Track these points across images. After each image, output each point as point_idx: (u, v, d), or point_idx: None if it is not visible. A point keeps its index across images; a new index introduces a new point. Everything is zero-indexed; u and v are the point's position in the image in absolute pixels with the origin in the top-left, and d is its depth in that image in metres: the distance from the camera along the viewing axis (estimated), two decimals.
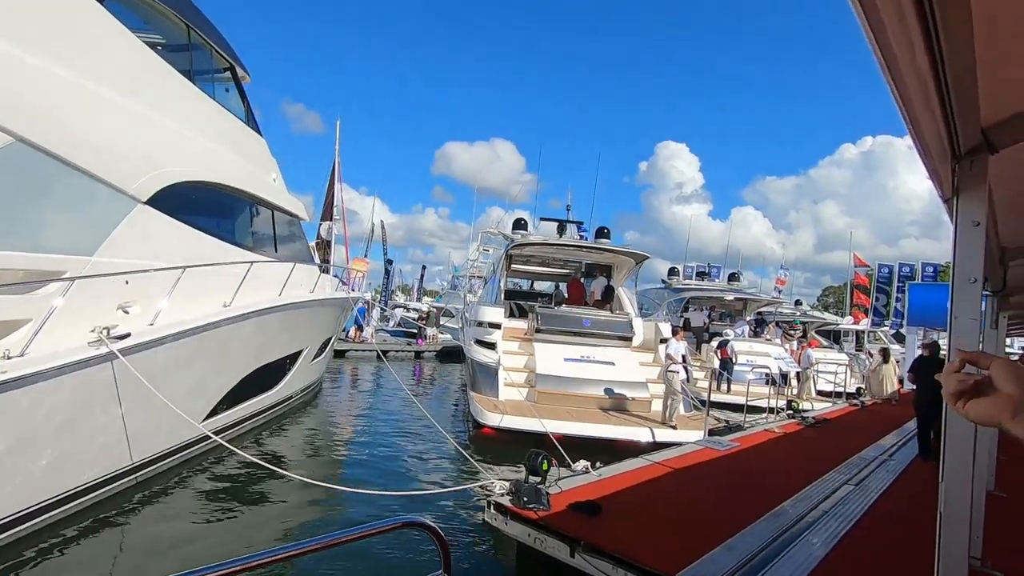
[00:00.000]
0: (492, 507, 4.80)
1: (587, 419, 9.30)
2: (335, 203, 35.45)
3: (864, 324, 30.47)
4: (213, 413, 7.25)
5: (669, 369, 9.34)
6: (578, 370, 10.73)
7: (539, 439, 9.09)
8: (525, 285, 20.57)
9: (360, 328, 27.93)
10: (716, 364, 16.95)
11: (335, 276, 22.13)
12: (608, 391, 10.41)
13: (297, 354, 10.11)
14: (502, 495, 4.85)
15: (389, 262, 45.54)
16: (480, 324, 12.38)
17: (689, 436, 8.78)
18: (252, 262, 7.44)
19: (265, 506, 6.15)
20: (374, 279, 50.34)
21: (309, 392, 12.21)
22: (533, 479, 5.02)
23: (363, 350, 23.78)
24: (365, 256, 53.07)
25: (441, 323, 30.80)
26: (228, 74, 9.19)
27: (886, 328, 29.78)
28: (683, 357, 9.94)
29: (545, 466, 5.13)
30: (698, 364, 17.96)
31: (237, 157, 8.70)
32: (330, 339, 12.68)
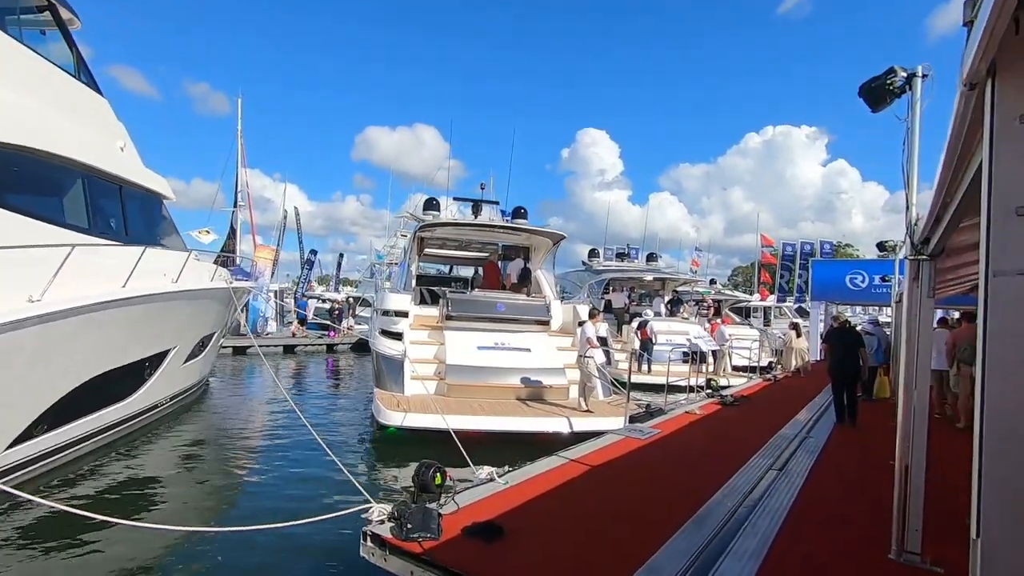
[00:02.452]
0: (369, 539, 3.84)
1: (499, 412, 8.52)
2: (239, 188, 32.60)
3: (771, 300, 32.03)
4: (26, 436, 5.75)
5: (585, 354, 8.72)
6: (492, 359, 9.92)
7: (448, 438, 8.24)
8: (447, 271, 19.50)
9: (303, 322, 25.63)
10: (636, 345, 16.81)
11: (235, 266, 20.04)
12: (524, 380, 9.69)
13: (161, 356, 8.58)
14: (381, 522, 3.91)
15: (312, 252, 42.77)
16: (386, 313, 11.26)
17: (609, 423, 8.23)
18: (74, 245, 5.91)
19: (77, 558, 4.82)
20: (292, 270, 47.18)
21: (187, 398, 10.61)
22: (425, 496, 4.12)
23: (266, 345, 21.76)
24: (277, 245, 49.75)
25: (358, 313, 29.05)
26: (47, 15, 7.41)
27: (790, 303, 31.46)
28: (603, 340, 9.40)
29: (439, 480, 4.23)
30: (619, 346, 17.80)
31: (61, 117, 7.03)
32: (212, 336, 11.08)
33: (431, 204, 13.91)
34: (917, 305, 3.67)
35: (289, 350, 21.94)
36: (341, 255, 53.73)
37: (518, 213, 13.89)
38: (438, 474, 4.24)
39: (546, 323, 11.23)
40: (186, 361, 9.70)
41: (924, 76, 3.63)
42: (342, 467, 5.17)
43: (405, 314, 10.90)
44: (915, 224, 3.76)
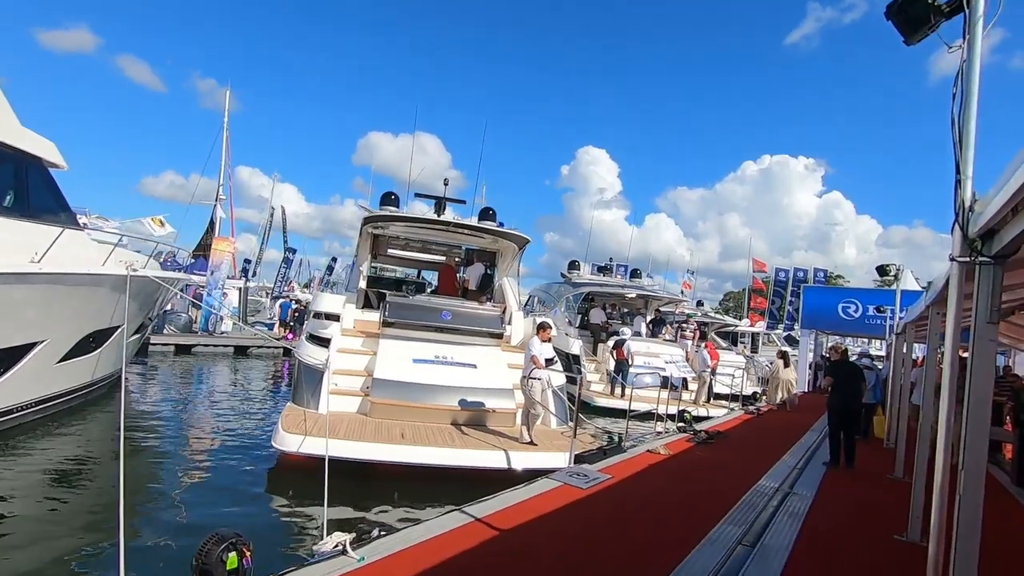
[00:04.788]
0: None
1: (426, 440, 7.06)
2: (222, 181, 31.32)
3: (760, 326, 30.84)
4: None
5: (531, 375, 7.30)
6: (428, 374, 8.47)
7: (368, 471, 6.79)
8: (415, 275, 17.98)
9: (286, 325, 23.92)
10: (611, 366, 15.42)
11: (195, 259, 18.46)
12: (464, 401, 8.24)
13: (20, 350, 7.09)
14: None
15: (291, 251, 41.38)
16: (317, 316, 9.83)
17: (556, 460, 6.81)
18: None
19: None
20: (268, 269, 45.62)
21: (70, 402, 9.07)
22: None
23: (215, 345, 20.17)
24: (262, 244, 48.25)
25: None
26: None
27: (779, 331, 30.28)
28: (550, 360, 8.01)
29: (232, 562, 2.80)
30: (593, 366, 16.40)
31: None
32: (110, 331, 9.56)
33: (389, 199, 12.44)
34: (973, 330, 2.30)
35: (242, 351, 20.32)
36: (334, 258, 52.06)
37: (485, 214, 12.46)
38: (233, 552, 2.81)
39: (499, 336, 9.80)
40: (64, 359, 8.19)
41: None
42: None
43: (336, 317, 9.47)
44: (971, 205, 2.41)
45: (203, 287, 21.80)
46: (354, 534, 3.55)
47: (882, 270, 11.50)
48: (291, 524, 5.48)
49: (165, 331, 19.79)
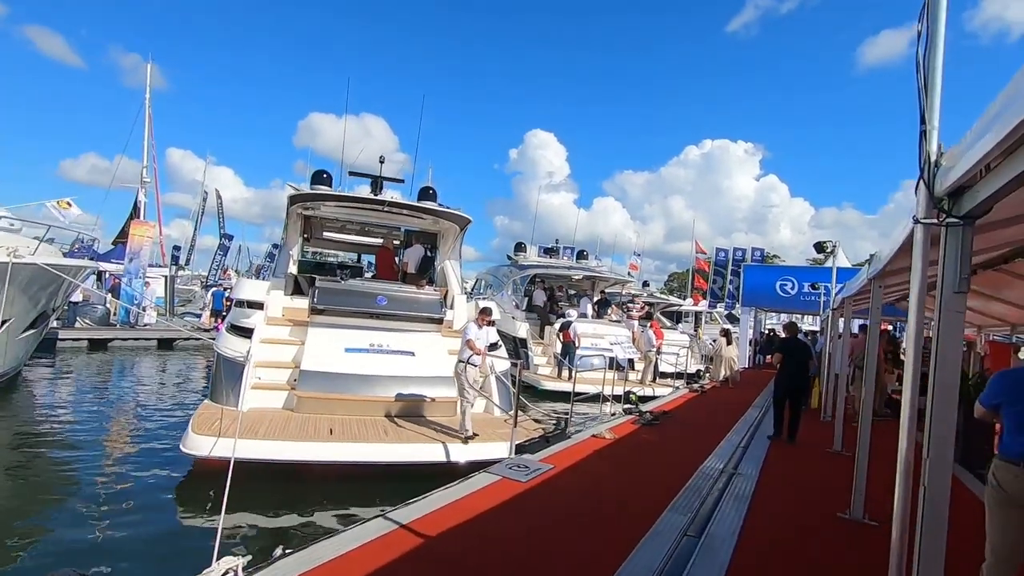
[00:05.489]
0: None
1: (356, 436, 6.54)
2: (145, 163, 29.18)
3: (702, 305, 31.62)
4: None
5: (468, 361, 6.87)
6: (361, 364, 7.91)
7: (293, 471, 6.20)
8: (356, 260, 17.05)
9: (218, 315, 22.07)
10: (558, 349, 15.22)
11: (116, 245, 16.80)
12: (401, 392, 7.74)
13: None
14: None
15: (228, 237, 39.09)
16: (239, 304, 9.03)
17: (498, 450, 6.45)
18: None
19: None
20: (204, 257, 43.12)
21: None
22: None
23: (135, 339, 18.67)
24: (195, 229, 45.40)
25: None
26: None
27: (720, 309, 31.11)
28: (494, 345, 7.61)
29: None
30: (540, 349, 16.17)
31: None
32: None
33: (320, 178, 11.52)
34: (939, 301, 2.02)
35: (166, 344, 18.90)
36: (275, 245, 49.58)
37: (425, 194, 11.76)
38: None
39: (439, 321, 9.30)
40: None
41: None
42: None
43: (259, 305, 8.72)
44: (937, 160, 2.12)
45: (119, 276, 20.09)
46: (250, 556, 3.04)
47: (819, 247, 11.73)
48: (186, 543, 4.85)
49: (77, 324, 18.12)
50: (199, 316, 24.69)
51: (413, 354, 8.39)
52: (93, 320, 18.89)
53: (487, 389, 8.72)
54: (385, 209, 10.18)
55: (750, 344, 22.90)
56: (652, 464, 6.12)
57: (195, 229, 46.28)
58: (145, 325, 20.43)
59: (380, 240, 13.16)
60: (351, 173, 12.68)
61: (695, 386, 13.81)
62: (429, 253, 11.56)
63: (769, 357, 18.25)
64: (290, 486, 6.01)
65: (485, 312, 7.48)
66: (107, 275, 23.03)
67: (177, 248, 45.64)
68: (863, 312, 10.32)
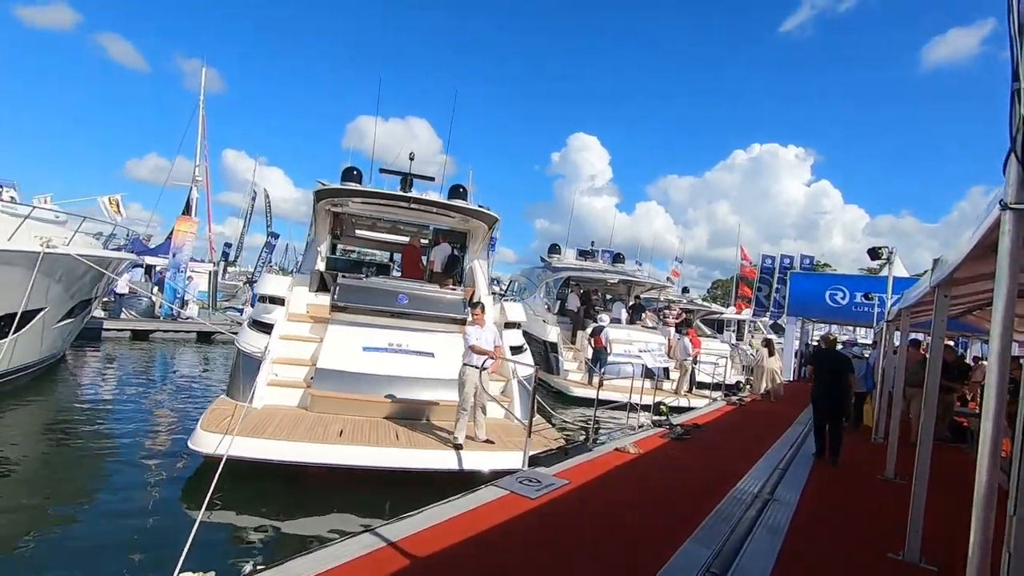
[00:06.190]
0: None
1: (368, 439, 6.28)
2: (198, 161, 30.23)
3: (746, 314, 30.32)
4: None
5: (470, 363, 6.49)
6: (378, 364, 7.68)
7: (296, 472, 5.99)
8: (388, 258, 16.96)
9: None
10: (589, 354, 14.71)
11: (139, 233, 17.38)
12: (419, 393, 7.48)
13: None
14: None
15: (274, 235, 40.30)
16: (262, 299, 8.97)
17: (511, 460, 6.08)
18: None
19: None
20: (253, 254, 44.60)
21: None
22: None
23: (176, 331, 19.18)
24: (244, 227, 47.05)
25: None
26: None
27: (766, 319, 29.76)
28: (518, 348, 7.21)
29: None
30: (571, 354, 15.68)
31: None
32: (35, 314, 8.65)
33: (350, 174, 11.42)
34: None
35: (205, 337, 19.36)
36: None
37: (455, 192, 11.51)
38: None
39: (461, 322, 8.97)
40: None
41: None
42: None
43: (280, 300, 8.62)
44: None
45: (166, 270, 20.76)
46: (213, 572, 2.76)
47: (874, 253, 10.80)
48: (167, 548, 4.66)
49: (123, 316, 18.77)
50: (241, 311, 25.28)
51: (432, 355, 8.11)
52: (138, 312, 19.55)
53: (508, 394, 8.37)
54: (412, 206, 9.96)
55: (795, 356, 21.74)
56: (677, 485, 5.62)
57: (244, 227, 47.89)
58: (187, 318, 21.00)
59: (407, 239, 12.99)
60: (382, 171, 12.54)
61: (733, 399, 13.06)
62: (456, 252, 11.28)
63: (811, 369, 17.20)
64: (294, 488, 5.80)
65: (477, 308, 7.02)
66: (156, 269, 23.94)
67: (228, 245, 47.30)
68: (923, 325, 9.44)
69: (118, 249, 13.24)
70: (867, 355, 12.29)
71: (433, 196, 10.70)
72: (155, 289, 20.81)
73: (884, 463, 6.81)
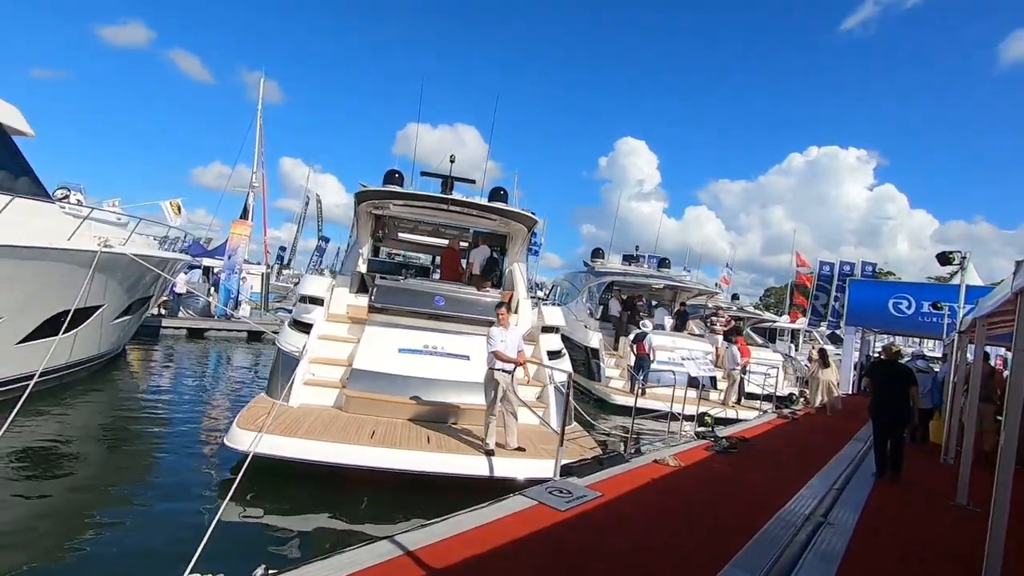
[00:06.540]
0: None
1: (399, 441, 6.21)
2: (255, 168, 31.51)
3: (801, 323, 28.92)
4: None
5: (499, 368, 6.31)
6: (413, 366, 7.63)
7: (334, 472, 5.98)
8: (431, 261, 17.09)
9: None
10: (631, 361, 14.29)
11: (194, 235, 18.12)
12: (453, 396, 7.40)
13: None
14: None
15: (324, 239, 41.69)
16: (302, 300, 9.11)
17: (542, 469, 5.89)
18: None
19: None
20: (306, 258, 46.35)
21: (36, 386, 8.58)
22: None
23: (229, 330, 19.92)
24: (298, 231, 48.86)
25: None
26: None
27: (822, 329, 28.29)
28: (555, 353, 6.98)
29: None
30: (614, 360, 15.29)
31: None
32: (92, 311, 9.07)
33: (392, 177, 11.53)
34: None
35: (256, 336, 20.03)
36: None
37: (496, 194, 11.43)
38: None
39: None
40: (26, 340, 7.69)
41: None
42: None
43: (320, 301, 8.72)
44: None
45: (220, 271, 21.68)
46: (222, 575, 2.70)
47: (944, 258, 9.95)
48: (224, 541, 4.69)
49: (180, 314, 19.67)
50: (290, 311, 26.11)
51: (468, 358, 8.00)
52: (195, 311, 20.45)
53: (544, 400, 8.17)
54: (451, 208, 9.92)
55: (854, 368, 20.51)
56: (720, 502, 5.26)
57: (297, 231, 49.67)
58: (240, 318, 21.83)
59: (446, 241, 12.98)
60: (423, 173, 12.62)
61: (785, 411, 12.37)
62: (495, 255, 11.18)
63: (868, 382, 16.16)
64: (326, 489, 5.78)
65: (502, 308, 6.78)
66: (214, 270, 25.09)
67: (283, 249, 49.13)
68: (1000, 338, 8.63)
69: (176, 251, 13.87)
70: (936, 368, 11.38)
71: (474, 199, 10.65)
72: (211, 289, 21.71)
73: (955, 487, 6.20)
